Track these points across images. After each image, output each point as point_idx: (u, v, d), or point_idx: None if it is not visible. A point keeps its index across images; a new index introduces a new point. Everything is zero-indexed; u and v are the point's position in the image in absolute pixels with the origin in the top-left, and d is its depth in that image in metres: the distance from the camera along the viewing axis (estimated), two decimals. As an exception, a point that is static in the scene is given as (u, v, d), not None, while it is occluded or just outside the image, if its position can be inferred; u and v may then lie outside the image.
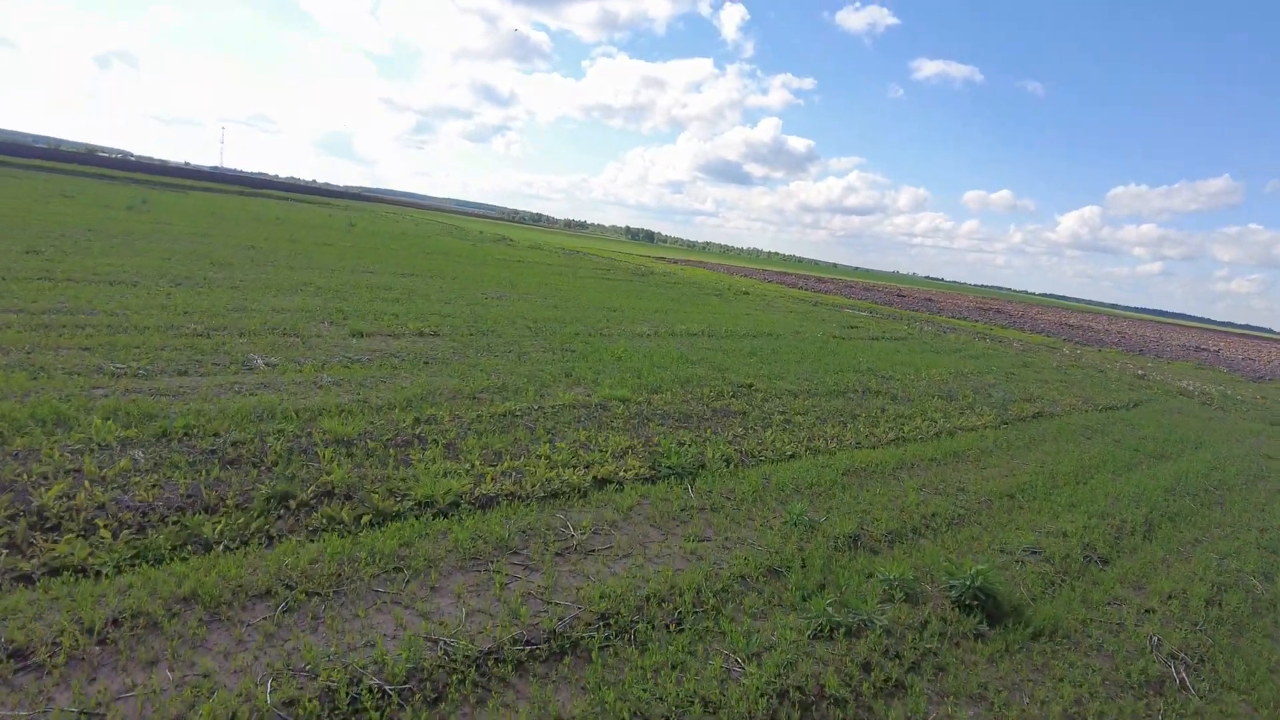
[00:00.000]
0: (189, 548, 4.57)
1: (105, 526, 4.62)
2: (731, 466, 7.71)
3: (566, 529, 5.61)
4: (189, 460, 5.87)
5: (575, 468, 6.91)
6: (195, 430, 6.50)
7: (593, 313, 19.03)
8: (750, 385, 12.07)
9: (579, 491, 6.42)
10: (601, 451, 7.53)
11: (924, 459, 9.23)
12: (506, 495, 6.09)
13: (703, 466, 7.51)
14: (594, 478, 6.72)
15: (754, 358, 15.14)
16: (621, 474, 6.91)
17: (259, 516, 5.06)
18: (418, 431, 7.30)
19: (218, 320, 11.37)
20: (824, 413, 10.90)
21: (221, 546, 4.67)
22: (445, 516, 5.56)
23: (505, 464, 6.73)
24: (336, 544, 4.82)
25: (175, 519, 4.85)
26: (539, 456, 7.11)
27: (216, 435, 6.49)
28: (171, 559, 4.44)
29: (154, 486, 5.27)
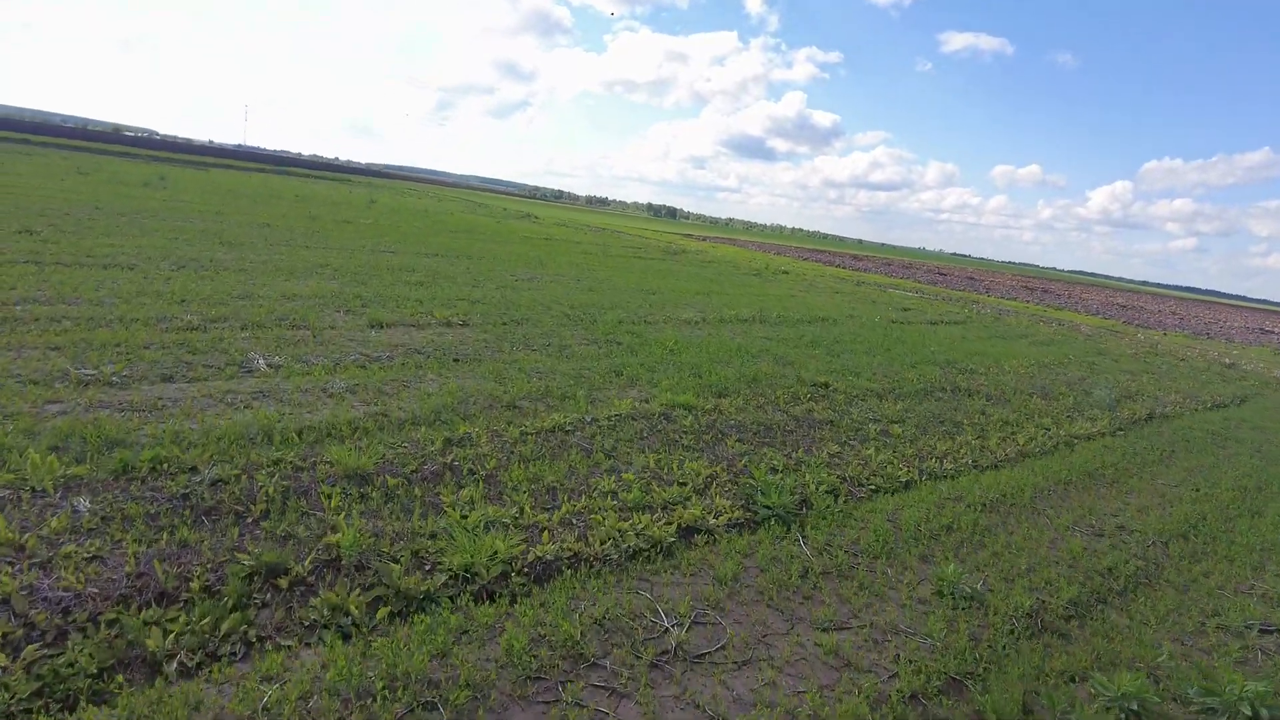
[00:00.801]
0: (122, 675, 3.09)
1: (4, 637, 3.15)
2: (840, 501, 6.14)
3: (657, 617, 4.07)
4: (150, 512, 4.41)
5: (652, 511, 5.37)
6: (166, 464, 5.03)
7: (632, 296, 17.43)
8: (826, 384, 10.45)
9: (662, 549, 4.89)
10: (680, 484, 5.98)
11: (1056, 481, 7.59)
12: (569, 558, 4.58)
13: (807, 504, 5.94)
14: (678, 526, 5.17)
15: (818, 348, 13.49)
16: (711, 520, 5.36)
17: (234, 610, 3.58)
18: (449, 459, 5.78)
19: (219, 310, 9.93)
20: (921, 420, 9.27)
21: (174, 666, 3.18)
22: (491, 599, 4.05)
23: (563, 508, 5.21)
24: (342, 660, 3.32)
25: (112, 618, 3.38)
26: (604, 493, 5.58)
27: (193, 471, 5.02)
28: (91, 699, 2.95)
29: (91, 561, 3.81)
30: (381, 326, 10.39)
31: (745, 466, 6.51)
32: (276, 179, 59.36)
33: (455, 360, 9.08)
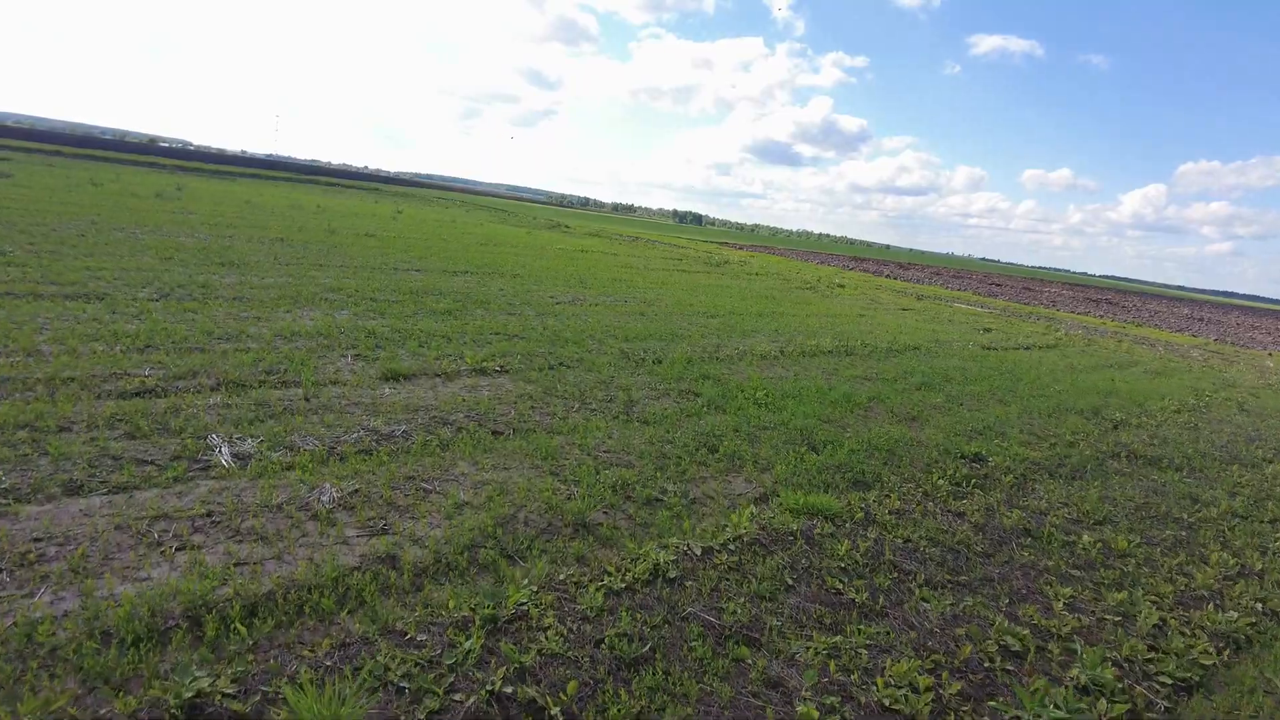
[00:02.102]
0: None
1: None
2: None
3: None
4: None
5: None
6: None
7: (690, 321, 15.00)
8: (978, 455, 7.95)
9: None
10: (889, 711, 3.50)
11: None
12: None
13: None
14: None
15: (931, 392, 10.97)
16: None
17: None
18: (496, 682, 3.34)
19: (190, 360, 7.65)
20: (1132, 519, 6.72)
21: None
22: None
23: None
24: None
25: None
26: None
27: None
28: None
29: None
30: (398, 379, 8.05)
31: (977, 661, 4.02)
32: (300, 189, 57.84)
33: (494, 433, 6.70)
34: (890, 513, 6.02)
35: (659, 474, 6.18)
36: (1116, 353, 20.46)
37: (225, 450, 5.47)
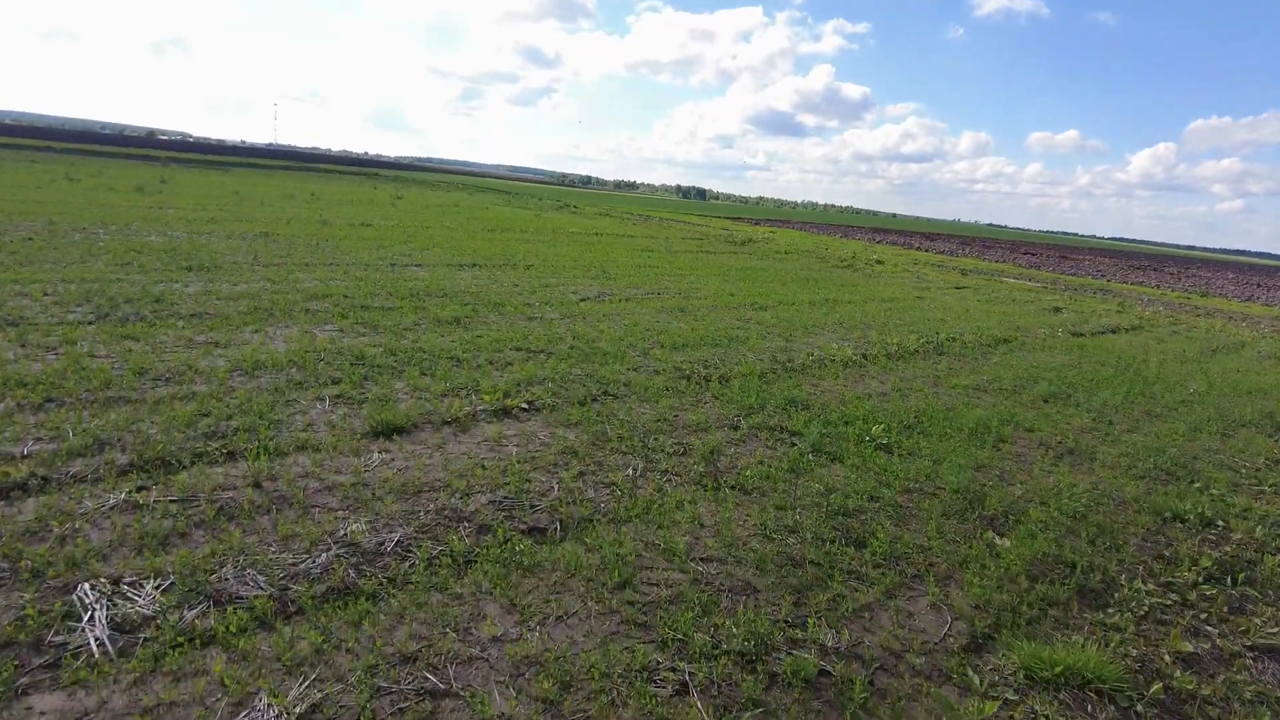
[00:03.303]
0: None
1: None
2: None
3: None
4: None
5: None
6: None
7: (740, 318, 12.73)
8: (1205, 519, 5.68)
9: None
10: None
11: None
12: None
13: None
14: None
15: (1065, 406, 8.76)
16: None
17: None
18: None
19: (102, 421, 5.47)
20: None
21: None
22: None
23: None
24: None
25: None
26: None
27: None
28: None
29: None
30: (392, 433, 5.81)
31: None
32: (295, 177, 55.43)
33: (532, 533, 4.45)
34: (1175, 659, 3.77)
35: (798, 604, 3.94)
36: (1211, 332, 18.08)
37: (100, 619, 3.25)
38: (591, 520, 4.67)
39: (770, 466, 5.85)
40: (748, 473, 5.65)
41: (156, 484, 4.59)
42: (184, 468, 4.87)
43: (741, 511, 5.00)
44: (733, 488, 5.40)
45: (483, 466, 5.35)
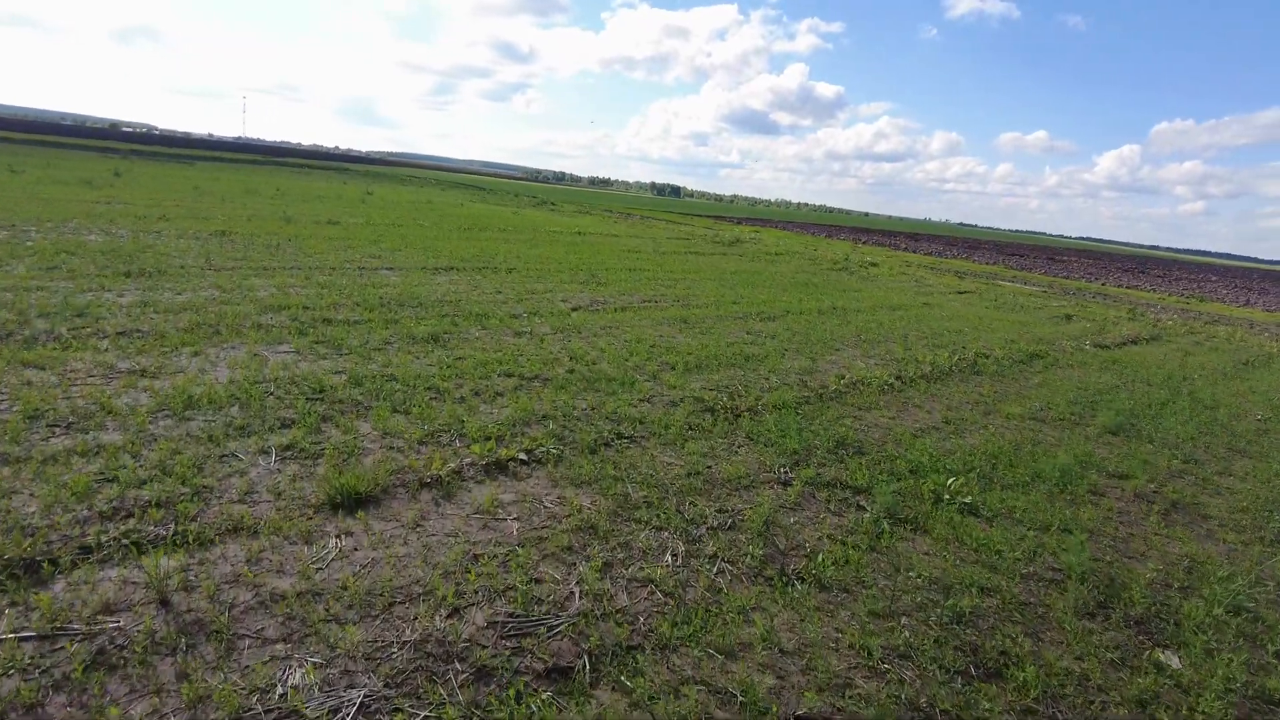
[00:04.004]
0: None
1: None
2: None
3: None
4: None
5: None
6: None
7: (749, 330, 11.49)
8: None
9: None
10: None
11: None
12: None
13: None
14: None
15: (1139, 443, 7.70)
16: None
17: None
18: None
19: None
20: None
21: None
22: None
23: None
24: None
25: None
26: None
27: None
28: None
29: None
30: (354, 505, 4.44)
31: None
32: (262, 172, 53.26)
33: (548, 677, 3.14)
34: None
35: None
36: (1232, 342, 17.20)
37: None
38: (631, 649, 3.35)
39: (844, 544, 4.58)
40: (820, 557, 4.37)
41: (10, 606, 3.19)
42: (61, 573, 3.48)
43: (828, 622, 3.72)
44: (805, 580, 4.12)
45: (475, 557, 4.01)
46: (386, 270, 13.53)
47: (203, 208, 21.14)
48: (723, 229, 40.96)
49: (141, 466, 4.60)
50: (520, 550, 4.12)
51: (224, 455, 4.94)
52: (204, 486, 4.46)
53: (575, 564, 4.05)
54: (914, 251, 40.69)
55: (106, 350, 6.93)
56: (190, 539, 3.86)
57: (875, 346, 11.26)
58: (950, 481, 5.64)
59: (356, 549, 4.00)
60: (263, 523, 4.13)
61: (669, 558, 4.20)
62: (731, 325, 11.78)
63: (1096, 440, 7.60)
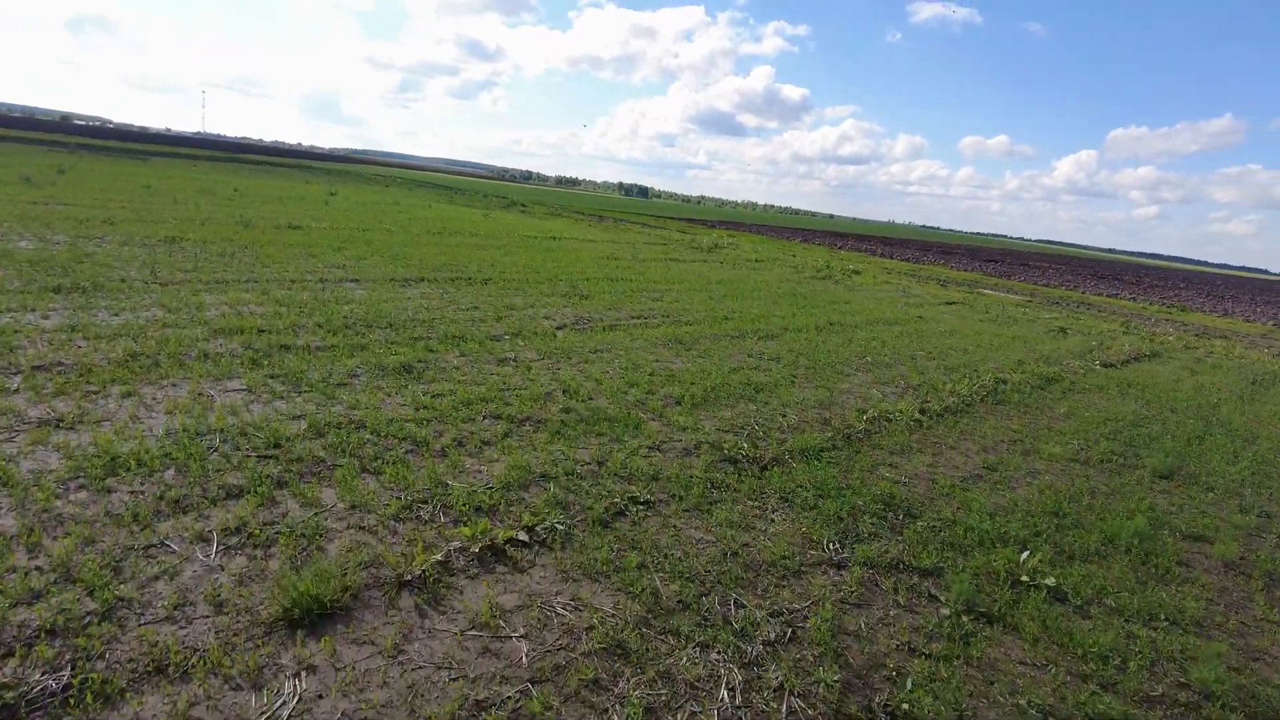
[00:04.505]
0: None
1: None
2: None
3: None
4: None
5: None
6: None
7: (748, 352, 10.65)
8: None
9: None
10: None
11: None
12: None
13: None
14: None
15: (1199, 490, 6.94)
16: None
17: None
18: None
19: None
20: None
21: None
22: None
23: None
24: None
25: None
26: None
27: None
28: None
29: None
30: (314, 622, 3.45)
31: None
32: (222, 169, 51.26)
33: None
34: None
35: None
36: (1231, 357, 16.80)
37: None
38: None
39: (928, 655, 3.69)
40: (908, 682, 3.46)
41: None
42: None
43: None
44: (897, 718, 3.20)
45: (479, 706, 3.03)
46: (351, 283, 12.42)
47: (152, 210, 19.73)
48: (699, 234, 40.17)
49: (37, 569, 3.56)
50: (535, 690, 3.16)
51: (151, 546, 3.91)
52: (120, 599, 3.44)
53: (608, 710, 3.10)
54: (890, 257, 40.30)
55: (17, 391, 5.82)
56: (91, 694, 2.84)
57: (885, 370, 10.46)
58: (1024, 557, 4.79)
59: (321, 695, 3.01)
60: (197, 657, 3.12)
61: (724, 693, 3.28)
62: (729, 346, 10.90)
63: (1151, 488, 6.85)
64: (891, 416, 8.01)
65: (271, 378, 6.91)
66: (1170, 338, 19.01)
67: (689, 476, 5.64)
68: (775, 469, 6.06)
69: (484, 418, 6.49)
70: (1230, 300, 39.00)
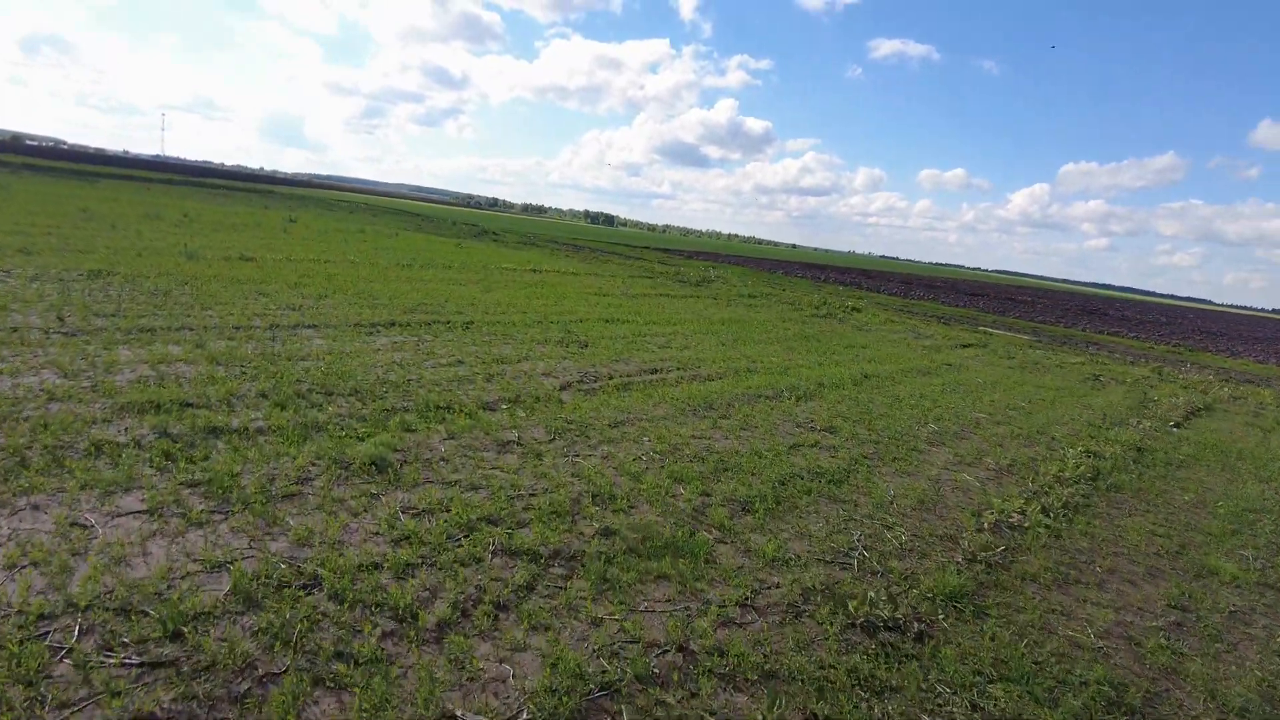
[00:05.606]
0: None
1: None
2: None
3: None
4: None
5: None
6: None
7: (805, 429, 8.82)
8: None
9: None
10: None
11: None
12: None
13: None
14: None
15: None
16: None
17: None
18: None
19: None
20: None
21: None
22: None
23: None
24: None
25: None
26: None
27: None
28: None
29: None
30: None
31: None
32: (177, 192, 48.48)
33: None
34: None
35: None
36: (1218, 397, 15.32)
37: None
38: None
39: None
40: None
41: None
42: None
43: None
44: None
45: None
46: (309, 329, 10.34)
47: (83, 237, 17.37)
48: (680, 265, 38.46)
49: None
50: None
51: None
52: None
53: None
54: (877, 291, 39.00)
55: None
56: None
57: (960, 443, 8.68)
58: None
59: None
60: None
61: None
62: (768, 411, 9.04)
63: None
64: (1012, 523, 6.18)
65: (188, 487, 4.85)
66: (1209, 384, 17.61)
67: (818, 668, 3.69)
68: (927, 640, 4.14)
69: (493, 554, 4.49)
70: (1229, 338, 38.31)
